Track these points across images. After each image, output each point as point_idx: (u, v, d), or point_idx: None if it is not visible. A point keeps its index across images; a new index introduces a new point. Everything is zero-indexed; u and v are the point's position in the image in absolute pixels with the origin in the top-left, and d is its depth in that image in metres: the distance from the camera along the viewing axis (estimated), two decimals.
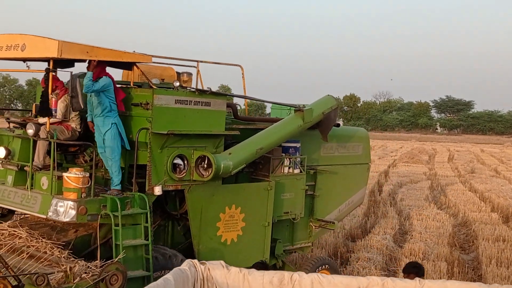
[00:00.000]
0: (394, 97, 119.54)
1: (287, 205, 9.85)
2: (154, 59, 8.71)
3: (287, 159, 9.81)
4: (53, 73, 7.45)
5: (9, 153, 8.08)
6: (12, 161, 8.10)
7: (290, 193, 9.90)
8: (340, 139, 11.24)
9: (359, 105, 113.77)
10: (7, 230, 7.64)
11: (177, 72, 10.52)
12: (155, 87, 7.99)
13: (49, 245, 7.23)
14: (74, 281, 6.08)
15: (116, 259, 6.87)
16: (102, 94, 7.62)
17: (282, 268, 10.54)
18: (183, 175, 8.15)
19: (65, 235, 7.94)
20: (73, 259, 6.96)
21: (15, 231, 7.54)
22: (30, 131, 7.56)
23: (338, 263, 12.73)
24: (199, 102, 8.27)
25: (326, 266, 10.56)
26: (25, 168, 7.83)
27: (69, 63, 7.98)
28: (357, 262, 12.80)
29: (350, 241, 15.52)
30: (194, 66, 10.09)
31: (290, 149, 9.99)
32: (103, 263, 6.49)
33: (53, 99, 7.50)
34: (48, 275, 5.97)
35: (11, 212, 8.76)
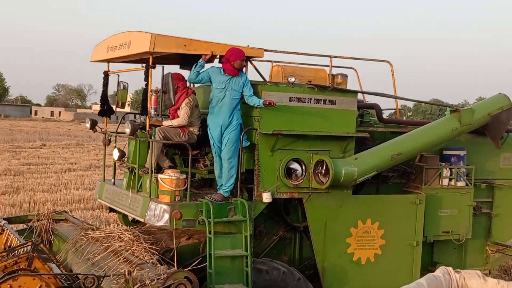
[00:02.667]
0: None
1: (448, 223, 8.32)
2: (284, 57, 7.94)
3: (447, 169, 8.30)
4: (152, 69, 7.04)
5: (123, 155, 7.92)
6: (127, 163, 7.91)
7: (451, 210, 8.36)
8: None
9: None
10: (116, 232, 7.38)
11: (332, 75, 9.64)
12: (269, 83, 7.21)
13: (142, 250, 6.79)
14: (134, 287, 5.55)
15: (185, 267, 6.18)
16: (231, 92, 7.01)
17: None
18: (300, 181, 7.22)
19: (177, 242, 7.48)
20: (160, 265, 6.45)
21: (123, 234, 7.25)
22: (127, 130, 7.29)
23: None
24: (320, 100, 7.29)
25: None
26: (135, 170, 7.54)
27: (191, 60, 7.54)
28: None
29: None
30: (352, 68, 9.14)
31: (452, 158, 8.46)
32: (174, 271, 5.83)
33: (153, 97, 7.12)
34: (103, 278, 5.53)
35: None
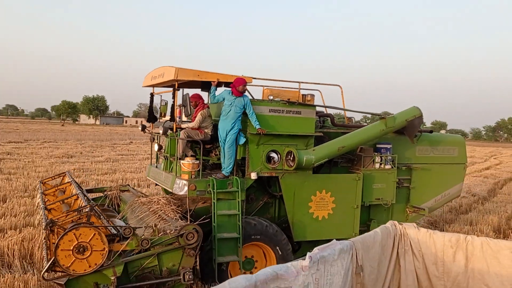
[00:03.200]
0: None
1: (378, 193, 8.58)
2: (267, 82, 7.82)
3: (378, 157, 8.24)
4: (177, 91, 6.97)
5: (161, 148, 7.87)
6: (164, 153, 7.81)
7: (381, 184, 8.58)
8: (435, 143, 9.41)
9: None
10: (156, 199, 7.26)
11: (303, 94, 9.40)
12: (256, 100, 7.15)
13: (170, 210, 6.66)
14: (159, 235, 5.43)
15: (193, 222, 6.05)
16: (235, 108, 6.91)
17: None
18: (276, 165, 7.15)
19: (195, 205, 7.36)
20: (180, 220, 6.30)
21: (160, 200, 7.12)
22: (160, 131, 7.20)
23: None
24: (290, 111, 7.29)
25: None
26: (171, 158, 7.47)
27: (207, 85, 7.43)
28: None
29: None
30: (318, 90, 8.87)
31: (382, 149, 8.59)
32: (186, 224, 5.68)
33: (177, 109, 7.03)
34: (137, 228, 5.40)
35: None
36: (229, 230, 6.79)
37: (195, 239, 5.74)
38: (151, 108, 8.39)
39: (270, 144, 7.35)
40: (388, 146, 8.64)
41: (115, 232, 5.57)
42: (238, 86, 7.05)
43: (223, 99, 7.19)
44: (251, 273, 7.18)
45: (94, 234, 5.24)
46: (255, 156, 7.29)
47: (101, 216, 5.52)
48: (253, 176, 7.20)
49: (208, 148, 7.98)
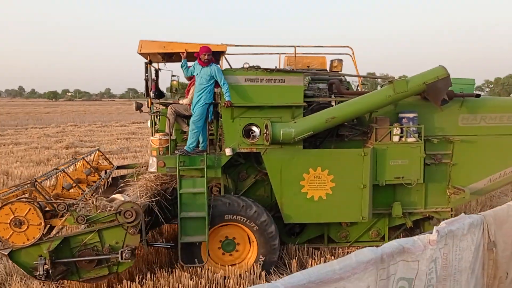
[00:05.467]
0: None
1: (398, 171, 7.27)
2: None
3: (398, 128, 7.00)
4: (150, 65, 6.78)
5: (155, 124, 7.78)
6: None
7: (402, 160, 7.23)
8: (486, 110, 7.64)
9: None
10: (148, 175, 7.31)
11: (331, 60, 8.54)
12: (228, 69, 6.63)
13: (152, 186, 6.71)
14: (98, 211, 5.48)
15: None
16: (201, 79, 6.60)
17: (414, 228, 7.99)
18: (256, 140, 6.59)
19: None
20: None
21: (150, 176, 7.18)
22: (133, 107, 7.10)
23: None
24: (271, 79, 6.60)
25: None
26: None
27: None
28: None
29: None
30: (348, 54, 8.01)
31: (403, 119, 7.17)
32: (123, 202, 5.62)
33: (152, 84, 6.86)
34: (74, 205, 5.51)
35: None
36: (196, 209, 6.48)
37: (133, 217, 5.62)
38: (156, 83, 8.37)
39: (248, 117, 6.72)
40: (412, 115, 7.23)
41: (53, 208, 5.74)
42: (200, 55, 6.60)
43: (193, 71, 6.81)
44: (230, 255, 6.90)
45: (30, 209, 5.48)
46: (231, 130, 6.73)
47: (43, 193, 5.74)
48: (228, 152, 6.68)
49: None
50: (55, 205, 5.56)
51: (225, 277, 6.43)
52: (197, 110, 6.73)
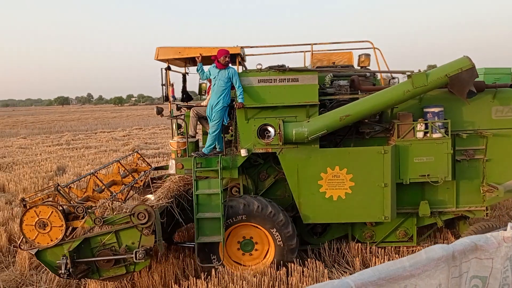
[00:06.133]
0: None
1: (424, 168, 6.95)
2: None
3: (422, 123, 6.73)
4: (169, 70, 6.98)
5: (180, 127, 7.95)
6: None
7: (427, 157, 6.92)
8: None
9: None
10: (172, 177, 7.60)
11: (359, 55, 8.37)
12: (243, 72, 6.70)
13: (175, 188, 7.01)
14: (114, 213, 5.78)
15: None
16: (219, 81, 6.74)
17: (446, 228, 7.97)
18: (271, 140, 6.62)
19: None
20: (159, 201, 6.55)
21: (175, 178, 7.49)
22: (155, 110, 7.30)
23: None
24: (284, 79, 6.58)
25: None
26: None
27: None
28: None
29: None
30: (375, 48, 7.81)
31: (428, 114, 6.86)
32: (137, 204, 5.86)
33: (170, 89, 7.06)
34: (92, 208, 5.85)
35: None
36: (212, 209, 6.57)
37: (146, 219, 5.84)
38: (184, 87, 8.58)
39: (262, 118, 6.72)
40: (437, 110, 6.85)
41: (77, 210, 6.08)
42: (219, 57, 6.66)
43: (210, 74, 6.90)
44: (250, 255, 6.94)
45: (52, 212, 5.86)
46: (246, 131, 6.76)
47: (65, 196, 6.09)
48: (243, 153, 6.73)
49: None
50: (74, 208, 5.91)
51: (288, 275, 6.47)
52: (216, 113, 6.81)
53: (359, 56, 8.29)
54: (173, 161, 6.90)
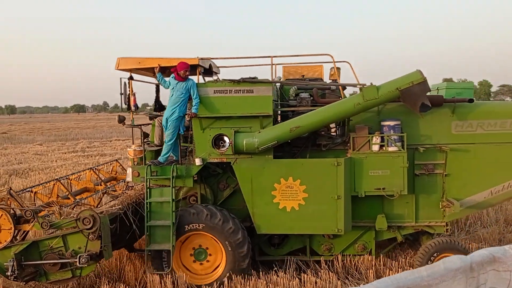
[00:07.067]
0: None
1: (379, 182, 6.89)
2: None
3: (378, 137, 6.72)
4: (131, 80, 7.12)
5: (147, 135, 8.03)
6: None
7: (383, 170, 6.85)
8: (483, 116, 7.02)
9: None
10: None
11: (330, 68, 8.41)
12: (199, 84, 6.83)
13: (129, 196, 7.13)
14: (61, 218, 5.93)
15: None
16: (176, 92, 6.85)
17: (406, 243, 7.90)
18: (225, 150, 6.69)
19: None
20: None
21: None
22: (117, 119, 7.41)
23: None
24: (240, 90, 6.68)
25: (451, 251, 6.78)
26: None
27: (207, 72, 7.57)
28: None
29: None
30: (348, 62, 7.81)
31: (384, 127, 6.83)
32: (83, 210, 6.00)
33: (132, 98, 7.20)
34: (39, 212, 6.00)
35: None
36: (163, 217, 6.64)
37: (91, 224, 5.95)
38: (157, 97, 8.67)
39: (217, 128, 6.79)
40: (393, 123, 6.82)
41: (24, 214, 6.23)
42: (180, 71, 6.75)
43: (169, 84, 7.01)
44: (201, 264, 6.99)
45: (2, 215, 6.04)
46: (201, 141, 6.83)
47: (17, 200, 6.26)
48: (198, 162, 6.79)
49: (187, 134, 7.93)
50: (23, 212, 6.07)
51: (301, 286, 6.51)
52: (172, 122, 6.86)
53: (330, 69, 8.34)
54: (130, 169, 7.03)
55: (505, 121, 6.96)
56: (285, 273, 6.89)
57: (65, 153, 25.36)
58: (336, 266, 7.27)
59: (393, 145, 6.79)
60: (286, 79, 8.12)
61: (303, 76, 8.42)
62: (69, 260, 6.01)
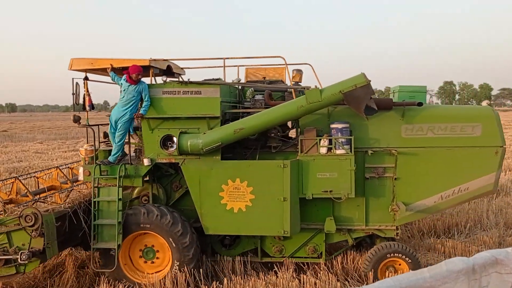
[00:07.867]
0: None
1: (326, 184, 6.88)
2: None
3: (326, 139, 6.76)
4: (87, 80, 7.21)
5: (106, 136, 8.10)
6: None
7: (331, 173, 6.83)
8: (434, 120, 6.99)
9: None
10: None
11: (292, 70, 8.45)
12: (149, 84, 6.92)
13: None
14: (5, 215, 6.06)
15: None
16: (127, 95, 6.92)
17: (360, 245, 7.95)
18: (173, 151, 6.79)
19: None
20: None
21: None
22: (72, 118, 7.49)
23: None
24: (188, 91, 6.77)
25: (397, 255, 6.79)
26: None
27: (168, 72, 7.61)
28: None
29: None
30: (309, 64, 7.84)
31: (333, 130, 6.86)
32: (26, 208, 6.12)
33: (87, 98, 7.29)
34: None
35: None
36: (110, 216, 6.75)
37: (33, 221, 6.07)
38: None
39: (165, 128, 6.86)
40: (341, 126, 6.82)
41: None
42: (132, 74, 6.78)
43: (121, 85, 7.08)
44: (152, 263, 7.08)
45: None
46: (150, 141, 6.92)
47: None
48: (146, 162, 6.88)
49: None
50: None
51: (300, 287, 6.57)
52: (122, 123, 6.92)
53: (293, 71, 8.39)
54: (81, 168, 7.15)
55: (456, 125, 6.94)
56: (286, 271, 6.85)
57: (65, 152, 25.50)
58: (336, 267, 7.29)
59: (340, 148, 6.82)
60: (247, 81, 8.20)
61: (264, 78, 8.49)
62: (12, 257, 6.14)
